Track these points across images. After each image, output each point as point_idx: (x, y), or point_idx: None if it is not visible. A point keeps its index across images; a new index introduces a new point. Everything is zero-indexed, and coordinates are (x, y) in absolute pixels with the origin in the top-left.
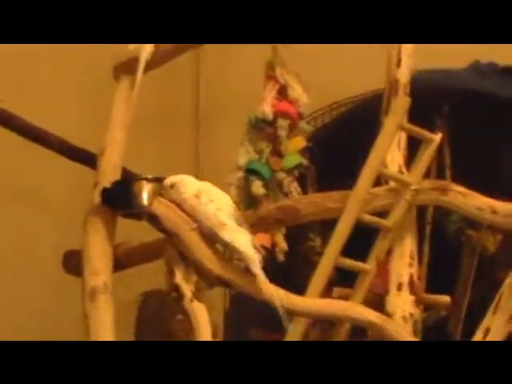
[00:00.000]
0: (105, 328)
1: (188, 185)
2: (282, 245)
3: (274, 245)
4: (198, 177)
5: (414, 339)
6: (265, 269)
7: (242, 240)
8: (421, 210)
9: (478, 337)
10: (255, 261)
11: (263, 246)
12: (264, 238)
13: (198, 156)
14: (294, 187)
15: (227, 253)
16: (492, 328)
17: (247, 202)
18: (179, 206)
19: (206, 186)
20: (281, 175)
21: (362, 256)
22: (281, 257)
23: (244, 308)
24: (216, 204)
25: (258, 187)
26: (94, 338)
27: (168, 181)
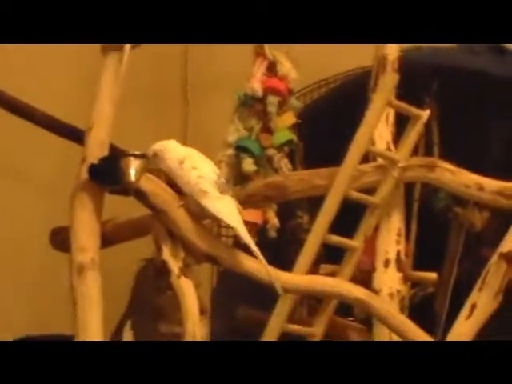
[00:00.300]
0: (92, 303)
1: (172, 151)
2: (274, 221)
3: (265, 221)
4: None
5: (400, 316)
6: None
7: (225, 208)
8: (408, 188)
9: (464, 313)
10: (240, 228)
11: (254, 223)
12: (255, 215)
13: (186, 132)
14: (285, 163)
15: (215, 230)
16: (478, 304)
17: (238, 179)
18: (164, 175)
19: (191, 153)
20: (271, 152)
21: (349, 233)
22: (272, 233)
23: (231, 285)
24: (198, 171)
25: (248, 164)
26: (80, 313)
27: (153, 148)
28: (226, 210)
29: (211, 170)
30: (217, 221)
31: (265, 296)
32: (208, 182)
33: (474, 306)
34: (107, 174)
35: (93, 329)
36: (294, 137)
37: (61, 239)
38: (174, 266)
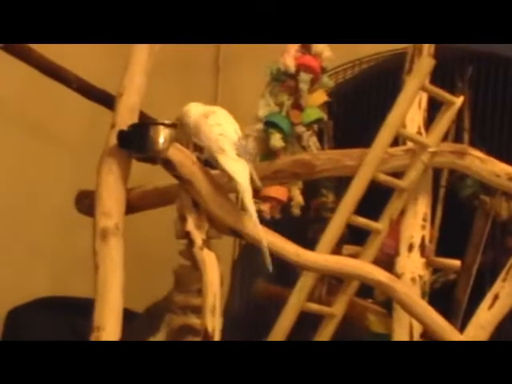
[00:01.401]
0: (113, 268)
1: (197, 106)
2: (299, 199)
3: (289, 198)
4: None
5: (421, 302)
6: (278, 222)
7: (239, 169)
8: (436, 173)
9: (485, 303)
10: (247, 192)
11: (279, 199)
12: (280, 192)
13: (215, 103)
14: (313, 141)
15: (239, 203)
16: (501, 295)
17: (265, 154)
18: (193, 145)
19: (218, 109)
20: (300, 129)
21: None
22: (296, 211)
23: (252, 259)
24: (221, 128)
25: (276, 140)
26: (101, 278)
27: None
28: (239, 171)
29: (234, 131)
30: (229, 180)
31: (285, 272)
32: (228, 141)
33: (496, 297)
34: (136, 142)
35: (113, 294)
36: (323, 115)
37: (86, 203)
38: (198, 237)
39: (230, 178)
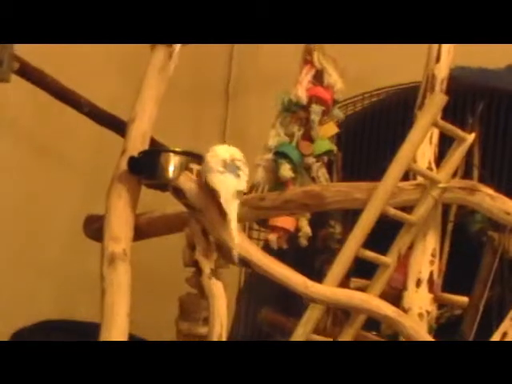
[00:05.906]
0: (120, 294)
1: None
2: (306, 230)
3: (297, 229)
4: None
5: (428, 338)
6: (284, 252)
7: (221, 181)
8: (444, 208)
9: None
10: (230, 203)
11: (286, 229)
12: (288, 222)
13: (224, 131)
14: (323, 173)
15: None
16: (509, 333)
17: (274, 184)
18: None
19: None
20: (310, 160)
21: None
22: (304, 241)
23: (258, 288)
24: (215, 152)
25: (286, 170)
26: (108, 302)
27: None
28: (222, 182)
29: (227, 152)
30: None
31: (290, 301)
32: (217, 160)
33: (505, 335)
34: (146, 168)
35: (119, 319)
36: (334, 147)
37: (94, 228)
38: (206, 266)
39: (212, 191)
